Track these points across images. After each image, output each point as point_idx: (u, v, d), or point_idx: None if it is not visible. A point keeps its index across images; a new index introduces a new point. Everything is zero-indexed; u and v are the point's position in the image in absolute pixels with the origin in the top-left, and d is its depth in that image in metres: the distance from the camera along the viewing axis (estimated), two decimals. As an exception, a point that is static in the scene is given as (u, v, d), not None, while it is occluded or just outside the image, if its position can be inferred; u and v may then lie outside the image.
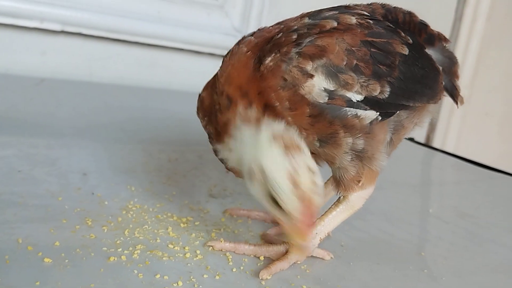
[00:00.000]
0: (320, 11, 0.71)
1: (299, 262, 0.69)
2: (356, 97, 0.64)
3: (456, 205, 1.10)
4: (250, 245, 0.69)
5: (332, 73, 0.63)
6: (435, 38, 0.76)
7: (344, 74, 0.63)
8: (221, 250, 0.68)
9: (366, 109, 0.65)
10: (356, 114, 0.64)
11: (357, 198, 0.70)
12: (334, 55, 0.63)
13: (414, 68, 0.68)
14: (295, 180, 0.58)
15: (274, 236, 0.75)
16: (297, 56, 0.63)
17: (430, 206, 1.11)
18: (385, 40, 0.66)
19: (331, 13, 0.69)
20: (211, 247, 0.68)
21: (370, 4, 0.76)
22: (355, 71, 0.64)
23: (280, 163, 0.59)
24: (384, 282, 0.69)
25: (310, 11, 0.73)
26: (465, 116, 2.32)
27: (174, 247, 0.67)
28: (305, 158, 0.60)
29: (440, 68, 0.73)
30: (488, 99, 2.37)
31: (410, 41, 0.69)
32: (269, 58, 0.64)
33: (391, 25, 0.70)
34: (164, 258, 0.64)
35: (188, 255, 0.65)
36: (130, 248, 0.64)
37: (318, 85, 0.62)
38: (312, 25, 0.66)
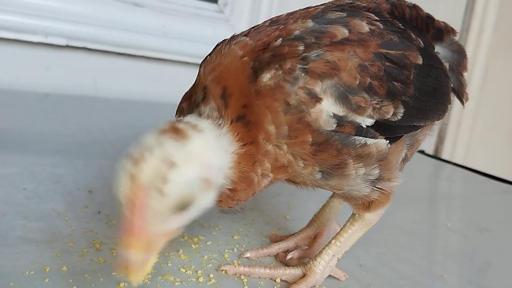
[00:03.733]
0: (324, 11, 0.60)
1: (317, 286, 0.65)
2: (366, 121, 0.54)
3: (474, 219, 1.07)
4: (266, 268, 0.66)
5: (343, 95, 0.53)
6: (443, 32, 0.69)
7: (356, 96, 0.53)
8: (235, 274, 0.65)
9: (375, 137, 0.55)
10: (366, 143, 0.55)
11: (373, 216, 0.65)
12: (346, 73, 0.53)
13: (428, 80, 0.59)
14: (137, 161, 0.47)
15: (295, 259, 0.71)
16: (303, 75, 0.52)
17: (448, 220, 1.07)
18: (401, 52, 0.57)
19: (337, 14, 0.59)
20: (224, 271, 0.65)
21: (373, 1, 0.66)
22: (369, 92, 0.54)
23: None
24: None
25: (310, 7, 0.62)
26: (473, 128, 2.28)
27: (186, 271, 0.64)
28: (180, 147, 0.48)
29: (448, 70, 0.67)
30: (496, 110, 2.34)
31: (422, 44, 0.61)
32: (269, 75, 0.53)
33: (400, 25, 0.61)
34: (176, 283, 0.60)
35: (201, 279, 0.62)
36: (141, 273, 0.61)
37: (326, 111, 0.53)
38: (320, 32, 0.55)
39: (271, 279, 0.66)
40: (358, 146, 0.55)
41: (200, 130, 0.51)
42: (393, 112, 0.56)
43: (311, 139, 0.53)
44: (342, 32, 0.56)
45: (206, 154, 0.50)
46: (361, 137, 0.55)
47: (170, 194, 0.46)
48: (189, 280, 0.62)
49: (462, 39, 2.19)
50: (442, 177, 1.57)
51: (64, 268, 0.60)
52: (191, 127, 0.50)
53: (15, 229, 0.68)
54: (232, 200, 0.58)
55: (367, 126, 0.55)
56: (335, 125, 0.53)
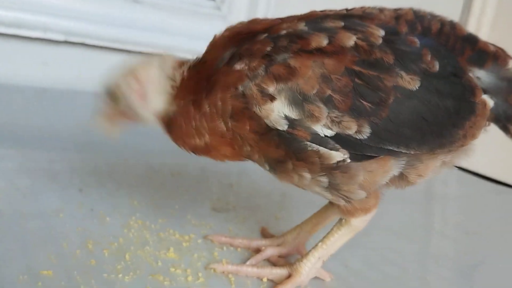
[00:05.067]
0: (324, 17, 0.62)
1: (302, 286, 0.67)
2: (325, 131, 0.56)
3: (463, 221, 1.09)
4: (253, 267, 0.68)
5: (297, 100, 0.55)
6: (489, 57, 0.63)
7: (310, 104, 0.55)
8: (224, 273, 0.67)
9: (335, 148, 0.57)
10: (318, 150, 0.57)
11: (359, 222, 0.66)
12: (304, 80, 0.55)
13: (419, 108, 0.57)
14: (132, 71, 0.68)
15: (282, 260, 0.73)
16: (262, 74, 0.56)
17: (437, 222, 1.09)
18: (376, 73, 0.56)
19: (334, 23, 0.60)
20: (213, 269, 0.67)
21: (399, 9, 0.65)
22: (326, 103, 0.55)
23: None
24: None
25: (316, 11, 0.65)
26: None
27: (175, 270, 0.65)
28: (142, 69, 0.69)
29: (481, 102, 0.60)
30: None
31: (435, 68, 0.58)
32: (238, 66, 0.58)
33: (410, 44, 0.59)
34: (165, 283, 0.62)
35: (190, 278, 0.64)
36: (131, 273, 0.63)
37: (278, 110, 0.56)
38: (298, 37, 0.58)
39: (258, 278, 0.67)
40: (309, 151, 0.57)
41: (164, 68, 0.68)
42: (356, 130, 0.56)
43: (248, 127, 0.58)
44: (319, 41, 0.57)
45: (147, 76, 0.67)
46: (313, 144, 0.57)
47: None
48: (178, 279, 0.64)
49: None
50: (436, 178, 1.58)
51: (56, 271, 0.61)
52: (162, 64, 0.69)
53: (11, 229, 0.69)
54: (175, 135, 0.68)
55: (326, 136, 0.56)
56: (287, 126, 0.56)
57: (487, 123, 0.63)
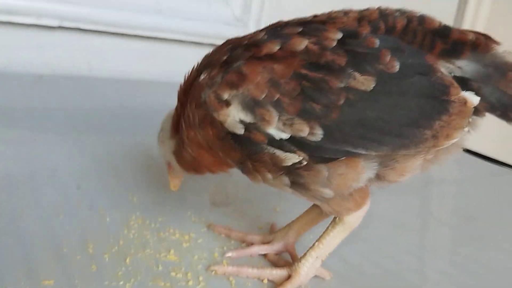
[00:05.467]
0: (287, 24, 0.64)
1: (302, 286, 0.68)
2: (280, 134, 0.57)
3: (461, 206, 1.10)
4: (253, 268, 0.69)
5: (249, 105, 0.57)
6: (465, 46, 0.60)
7: (260, 108, 0.57)
8: (224, 274, 0.68)
9: (290, 151, 0.58)
10: (274, 153, 0.59)
11: (353, 218, 0.66)
12: (253, 86, 0.57)
13: (374, 108, 0.56)
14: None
15: (282, 260, 0.74)
16: (218, 82, 0.59)
17: (434, 208, 1.09)
18: (322, 75, 0.56)
19: (291, 30, 0.61)
20: (214, 271, 0.68)
21: (365, 9, 0.65)
22: (276, 106, 0.56)
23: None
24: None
25: (282, 20, 0.66)
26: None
27: (176, 274, 0.66)
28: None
29: (457, 99, 0.57)
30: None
31: (394, 68, 0.57)
32: (202, 76, 0.63)
33: (368, 45, 0.58)
34: (166, 288, 0.63)
35: (190, 282, 0.65)
36: (132, 280, 0.63)
37: (233, 116, 0.58)
38: (253, 46, 0.60)
39: (258, 279, 0.68)
40: (265, 152, 0.59)
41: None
42: (308, 132, 0.56)
43: (211, 133, 0.62)
44: (270, 48, 0.59)
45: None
46: (269, 147, 0.58)
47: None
48: (178, 284, 0.64)
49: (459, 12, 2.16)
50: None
51: (58, 279, 0.61)
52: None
53: (8, 233, 0.69)
54: (181, 164, 0.74)
55: (282, 139, 0.57)
56: (243, 130, 0.58)
57: (470, 120, 0.60)
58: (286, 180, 0.61)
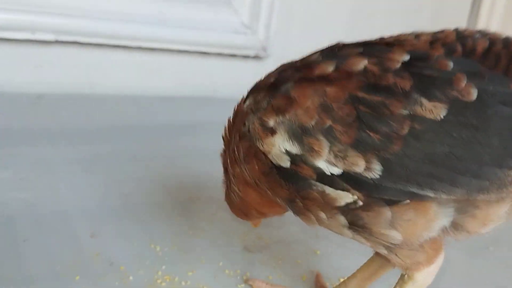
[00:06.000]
0: (348, 45, 0.55)
1: None
2: (331, 169, 0.49)
3: None
4: None
5: (296, 133, 0.49)
6: None
7: (309, 137, 0.49)
8: None
9: (344, 188, 0.49)
10: (323, 190, 0.50)
11: (425, 275, 0.56)
12: (302, 111, 0.49)
13: (444, 141, 0.47)
14: None
15: None
16: (265, 107, 0.52)
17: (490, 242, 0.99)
18: (380, 99, 0.47)
19: (350, 51, 0.53)
20: None
21: (439, 31, 0.56)
22: (327, 135, 0.48)
23: None
24: None
25: (341, 42, 0.56)
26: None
27: None
28: None
29: None
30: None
31: (471, 96, 0.47)
32: (248, 101, 0.56)
33: (440, 68, 0.49)
34: None
35: None
36: None
37: (278, 145, 0.50)
38: (304, 67, 0.53)
39: None
40: (312, 190, 0.50)
41: None
42: (365, 167, 0.47)
43: (256, 167, 0.54)
44: (324, 68, 0.51)
45: None
46: (318, 183, 0.50)
47: None
48: None
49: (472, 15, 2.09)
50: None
51: None
52: None
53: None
54: (229, 199, 0.66)
55: (333, 174, 0.49)
56: (289, 162, 0.50)
57: None
58: (342, 219, 0.51)
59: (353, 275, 0.65)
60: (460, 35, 0.54)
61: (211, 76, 1.57)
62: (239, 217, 0.67)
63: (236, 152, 0.57)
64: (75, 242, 0.74)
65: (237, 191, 0.61)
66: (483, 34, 0.54)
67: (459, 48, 0.52)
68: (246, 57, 1.59)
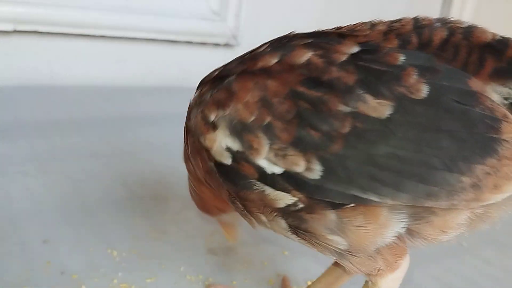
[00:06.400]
0: (297, 35, 0.51)
1: None
2: (272, 168, 0.46)
3: (491, 231, 0.98)
4: None
5: (237, 129, 0.47)
6: None
7: (248, 134, 0.46)
8: None
9: (285, 189, 0.46)
10: (263, 191, 0.47)
11: (390, 282, 0.51)
12: (242, 106, 0.47)
13: (396, 144, 0.43)
14: None
15: None
16: (208, 99, 0.49)
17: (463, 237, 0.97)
18: (321, 94, 0.44)
19: (298, 42, 0.49)
20: None
21: (397, 20, 0.51)
22: (266, 132, 0.46)
23: None
24: None
25: (294, 32, 0.53)
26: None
27: None
28: None
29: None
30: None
31: (420, 93, 0.43)
32: (194, 95, 0.54)
33: (388, 61, 0.45)
34: None
35: None
36: None
37: (219, 141, 0.48)
38: (249, 59, 0.50)
39: None
40: (252, 190, 0.47)
41: None
42: (305, 167, 0.44)
43: (201, 165, 0.51)
44: (267, 61, 0.48)
45: None
46: (258, 183, 0.47)
47: None
48: None
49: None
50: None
51: None
52: None
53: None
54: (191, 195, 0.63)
55: (274, 173, 0.45)
56: (230, 159, 0.47)
57: None
58: (283, 223, 0.48)
59: (318, 280, 0.62)
60: (418, 25, 0.49)
61: (180, 65, 1.52)
62: (204, 214, 0.64)
63: (185, 148, 0.55)
64: (25, 250, 0.69)
65: (193, 187, 0.59)
66: (444, 22, 0.49)
67: (414, 39, 0.47)
68: (216, 45, 1.54)
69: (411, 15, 0.53)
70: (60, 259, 0.68)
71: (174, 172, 1.01)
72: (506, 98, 0.45)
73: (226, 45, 1.54)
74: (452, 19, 0.50)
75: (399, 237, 0.47)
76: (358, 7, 1.74)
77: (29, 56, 1.32)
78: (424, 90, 0.42)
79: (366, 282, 0.54)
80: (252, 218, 0.50)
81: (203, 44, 1.51)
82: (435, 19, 0.50)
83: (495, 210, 0.47)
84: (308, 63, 0.45)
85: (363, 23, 0.52)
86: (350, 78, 0.43)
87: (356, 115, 0.42)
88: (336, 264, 0.61)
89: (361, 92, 0.43)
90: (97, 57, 1.40)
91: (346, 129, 0.42)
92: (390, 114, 0.42)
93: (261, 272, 0.72)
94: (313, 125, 0.44)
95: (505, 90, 0.45)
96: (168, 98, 1.46)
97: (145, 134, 1.21)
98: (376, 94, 0.42)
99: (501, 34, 0.49)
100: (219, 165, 0.48)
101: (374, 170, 0.42)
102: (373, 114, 0.42)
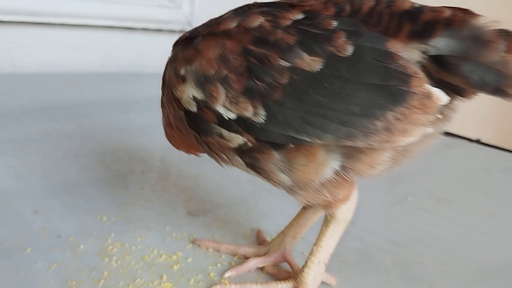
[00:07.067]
0: (256, 5, 0.60)
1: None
2: (228, 114, 0.56)
3: (429, 188, 1.11)
4: (257, 284, 0.64)
5: (201, 81, 0.57)
6: (437, 25, 0.53)
7: (209, 84, 0.56)
8: (229, 296, 0.63)
9: (239, 132, 0.56)
10: (220, 132, 0.57)
11: (344, 212, 0.62)
12: (205, 61, 0.57)
13: (317, 92, 0.52)
14: None
15: (284, 272, 0.70)
16: (179, 57, 0.60)
17: (408, 193, 1.09)
18: (265, 51, 0.54)
19: (256, 10, 0.58)
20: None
21: None
22: (223, 83, 0.55)
23: None
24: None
25: (257, 2, 0.62)
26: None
27: (178, 305, 0.60)
28: None
29: (420, 91, 0.52)
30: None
31: (346, 52, 0.52)
32: (171, 53, 0.63)
33: (323, 26, 0.54)
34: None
35: (197, 314, 0.59)
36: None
37: (187, 92, 0.58)
38: (215, 23, 0.60)
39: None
40: (213, 132, 0.58)
41: None
42: (253, 112, 0.54)
43: (173, 112, 0.62)
44: (228, 24, 0.58)
45: None
46: (217, 126, 0.57)
47: None
48: (185, 318, 0.59)
49: None
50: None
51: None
52: None
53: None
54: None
55: (230, 118, 0.56)
56: (196, 107, 0.58)
57: (439, 116, 0.54)
58: (240, 160, 0.58)
59: (290, 224, 0.71)
60: None
61: (138, 51, 1.58)
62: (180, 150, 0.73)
63: (161, 97, 0.66)
64: (19, 219, 0.75)
65: (167, 132, 0.69)
66: None
67: (347, 8, 0.56)
68: (172, 31, 1.60)
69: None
70: (54, 225, 0.74)
71: (145, 148, 1.08)
72: (424, 53, 0.53)
73: (182, 31, 1.60)
74: None
75: (336, 173, 0.57)
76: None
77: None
78: (349, 50, 0.52)
79: (326, 216, 0.64)
80: (217, 157, 0.61)
81: (159, 30, 1.57)
82: None
83: (414, 147, 0.57)
84: (259, 26, 0.55)
85: None
86: (291, 39, 0.53)
87: (293, 69, 0.52)
88: (304, 208, 0.71)
89: (299, 50, 0.52)
90: (58, 45, 1.43)
91: (285, 80, 0.52)
92: (320, 69, 0.52)
93: (238, 228, 0.81)
94: (259, 77, 0.53)
95: (422, 46, 0.53)
96: (128, 83, 1.51)
97: (112, 116, 1.26)
98: (311, 52, 0.52)
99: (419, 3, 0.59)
100: (188, 113, 0.59)
101: (306, 115, 0.52)
102: (307, 68, 0.52)
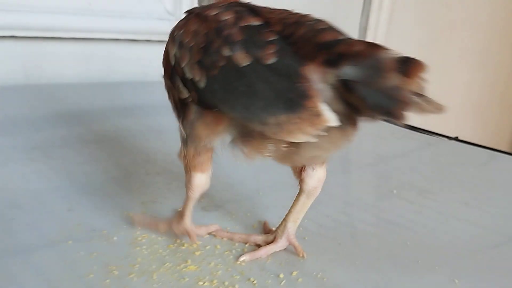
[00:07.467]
0: (239, 4, 0.75)
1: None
2: (188, 74, 0.70)
3: (412, 182, 1.23)
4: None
5: (180, 45, 0.72)
6: (346, 56, 0.60)
7: (183, 49, 0.71)
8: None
9: (189, 89, 0.71)
10: (178, 85, 0.73)
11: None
12: (185, 32, 0.73)
13: (238, 81, 0.64)
14: None
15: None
16: (178, 24, 0.76)
17: (393, 187, 1.21)
18: (219, 40, 0.67)
19: (241, 8, 0.73)
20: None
21: (295, 14, 0.71)
22: (190, 51, 0.71)
23: None
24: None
25: (241, 2, 0.77)
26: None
27: (204, 283, 0.71)
28: None
29: (312, 109, 0.61)
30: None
31: (268, 61, 0.63)
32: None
33: (264, 36, 0.66)
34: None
35: (221, 289, 0.71)
36: (169, 296, 0.68)
37: (174, 49, 0.73)
38: (206, 8, 0.75)
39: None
40: (176, 83, 0.73)
41: None
42: (199, 78, 0.69)
43: (166, 71, 0.77)
44: (211, 12, 0.72)
45: None
46: (180, 80, 0.72)
47: None
48: (210, 293, 0.70)
49: (360, 36, 2.41)
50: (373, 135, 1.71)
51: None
52: None
53: (24, 269, 0.71)
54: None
55: (189, 78, 0.70)
56: (174, 63, 0.73)
57: (324, 133, 0.63)
58: (179, 104, 0.76)
59: (289, 211, 0.83)
60: (300, 20, 0.69)
61: (141, 61, 1.69)
62: None
63: (163, 61, 0.79)
64: (56, 217, 0.86)
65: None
66: (318, 21, 0.69)
67: (289, 29, 0.67)
68: (171, 42, 1.71)
69: (334, 19, 0.72)
70: (87, 221, 0.85)
71: (157, 152, 1.19)
72: (338, 77, 0.61)
73: (181, 41, 1.71)
74: (323, 22, 0.69)
75: (224, 143, 0.73)
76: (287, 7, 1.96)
77: (6, 59, 1.44)
78: (271, 60, 0.64)
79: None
80: (171, 101, 0.77)
81: (160, 42, 1.68)
82: (314, 19, 0.70)
83: (303, 150, 0.70)
84: (225, 20, 0.69)
85: (284, 10, 0.74)
86: (238, 37, 0.67)
87: (229, 59, 0.66)
88: (298, 195, 0.83)
89: (239, 47, 0.67)
90: (68, 57, 1.54)
91: (222, 64, 0.67)
92: (246, 65, 0.65)
93: (246, 220, 0.92)
94: (209, 55, 0.68)
95: (335, 72, 0.61)
96: (133, 91, 1.62)
97: (122, 122, 1.37)
98: (246, 52, 0.66)
99: (376, 40, 0.69)
100: (172, 69, 0.74)
101: (227, 93, 0.67)
102: (237, 62, 0.65)
